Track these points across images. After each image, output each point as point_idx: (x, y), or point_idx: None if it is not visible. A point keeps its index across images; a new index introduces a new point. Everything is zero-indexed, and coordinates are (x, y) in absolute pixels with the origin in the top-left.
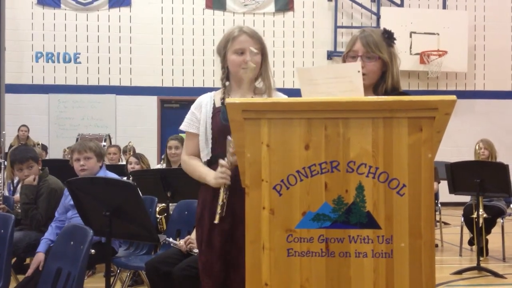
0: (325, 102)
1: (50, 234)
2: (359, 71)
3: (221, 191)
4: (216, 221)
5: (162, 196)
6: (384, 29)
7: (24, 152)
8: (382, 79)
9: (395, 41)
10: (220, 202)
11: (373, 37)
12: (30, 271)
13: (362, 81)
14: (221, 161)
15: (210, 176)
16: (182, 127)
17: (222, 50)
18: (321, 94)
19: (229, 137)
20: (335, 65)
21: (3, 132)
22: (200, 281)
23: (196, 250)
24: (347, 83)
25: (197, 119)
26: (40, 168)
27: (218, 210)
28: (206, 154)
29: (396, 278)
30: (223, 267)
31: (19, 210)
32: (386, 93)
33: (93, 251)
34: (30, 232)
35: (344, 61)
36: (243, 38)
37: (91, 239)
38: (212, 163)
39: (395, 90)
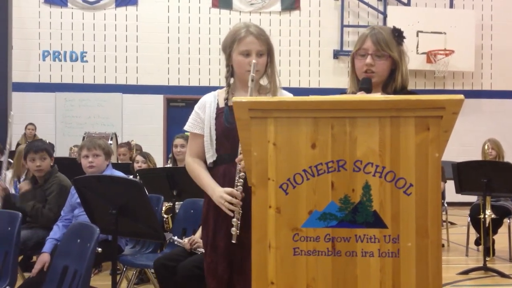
0: (331, 101)
1: (55, 233)
2: None
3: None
4: (233, 241)
5: (168, 195)
6: (394, 27)
7: (40, 143)
8: (391, 78)
9: (404, 40)
10: (234, 221)
11: (383, 35)
12: (34, 271)
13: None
14: (232, 191)
15: (216, 194)
16: (186, 127)
17: (228, 49)
18: None
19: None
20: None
21: (10, 135)
22: (206, 282)
23: (200, 250)
24: None
25: (201, 119)
26: (51, 165)
27: (234, 229)
28: (211, 156)
29: (402, 277)
30: (227, 268)
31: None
32: (395, 92)
33: (99, 249)
34: (38, 230)
35: (353, 59)
36: (250, 39)
37: (98, 237)
38: (217, 164)
39: (404, 89)
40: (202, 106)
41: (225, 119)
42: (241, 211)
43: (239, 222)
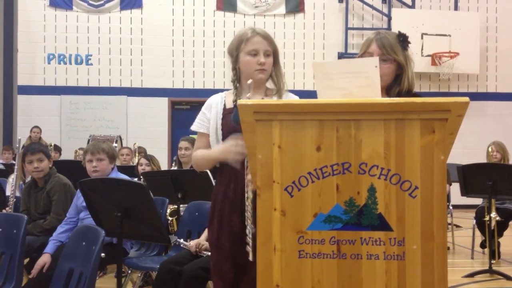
0: (336, 103)
1: (58, 234)
2: (376, 66)
3: (247, 206)
4: (250, 259)
5: (173, 197)
6: (399, 32)
7: (36, 145)
8: (396, 82)
9: (409, 45)
10: (248, 232)
11: (389, 39)
12: (34, 272)
13: (379, 76)
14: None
15: (215, 151)
16: (192, 127)
17: (235, 52)
18: (336, 89)
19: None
20: (352, 60)
21: (19, 138)
22: (212, 282)
23: (206, 252)
24: (364, 78)
25: (207, 119)
26: (50, 166)
27: (248, 241)
28: None
29: (408, 280)
30: (232, 268)
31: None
32: (399, 95)
33: (103, 254)
34: None
35: None
36: (257, 39)
37: (103, 240)
38: (223, 164)
39: (409, 92)
40: (209, 106)
41: (233, 118)
42: (250, 215)
43: (254, 230)
